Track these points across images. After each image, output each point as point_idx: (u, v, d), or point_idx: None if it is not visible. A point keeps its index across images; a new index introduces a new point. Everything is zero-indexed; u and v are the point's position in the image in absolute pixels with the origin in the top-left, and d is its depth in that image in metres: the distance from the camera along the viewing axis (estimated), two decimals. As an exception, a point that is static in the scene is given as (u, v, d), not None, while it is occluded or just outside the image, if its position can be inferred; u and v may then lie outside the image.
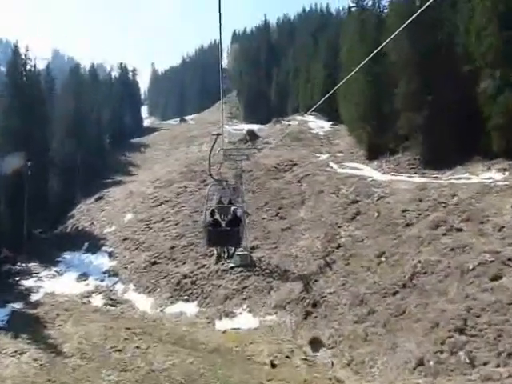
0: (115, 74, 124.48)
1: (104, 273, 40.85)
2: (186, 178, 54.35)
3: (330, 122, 78.03)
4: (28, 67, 57.89)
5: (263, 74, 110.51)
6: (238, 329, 29.16)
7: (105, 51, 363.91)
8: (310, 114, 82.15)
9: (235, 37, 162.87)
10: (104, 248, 45.35)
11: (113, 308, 33.63)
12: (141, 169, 79.85)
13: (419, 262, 25.14)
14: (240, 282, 33.70)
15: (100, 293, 36.60)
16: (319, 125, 78.43)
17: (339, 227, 35.35)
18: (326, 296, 28.32)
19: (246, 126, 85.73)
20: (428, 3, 18.59)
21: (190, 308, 33.00)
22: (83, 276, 40.55)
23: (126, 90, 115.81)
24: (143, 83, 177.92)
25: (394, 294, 24.65)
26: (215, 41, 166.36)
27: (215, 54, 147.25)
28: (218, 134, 26.83)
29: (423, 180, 39.10)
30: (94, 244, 46.80)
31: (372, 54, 14.95)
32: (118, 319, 29.68)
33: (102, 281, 39.41)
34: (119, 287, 38.00)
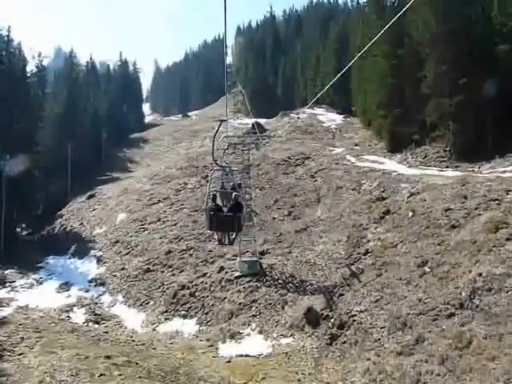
0: (114, 66, 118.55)
1: (90, 281, 35.43)
2: (187, 174, 49.08)
3: (342, 115, 73.11)
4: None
5: (269, 67, 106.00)
6: (247, 356, 23.50)
7: (109, 50, 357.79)
8: (320, 107, 78.40)
9: (240, 32, 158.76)
10: (92, 252, 40.02)
11: (96, 326, 28.04)
12: (139, 165, 74.73)
13: (480, 274, 19.42)
14: (248, 294, 28.10)
15: (83, 306, 31.10)
16: (330, 117, 73.35)
17: (365, 229, 29.89)
18: (355, 315, 22.66)
19: (252, 120, 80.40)
20: None
21: (188, 326, 27.39)
22: (65, 285, 35.16)
23: (126, 83, 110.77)
24: (147, 81, 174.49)
25: (449, 316, 18.94)
26: (219, 36, 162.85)
27: (219, 49, 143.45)
28: (223, 120, 25.75)
29: (459, 174, 33.67)
30: (82, 247, 41.48)
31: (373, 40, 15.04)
32: (98, 343, 23.99)
33: (86, 291, 33.97)
34: (106, 299, 32.52)
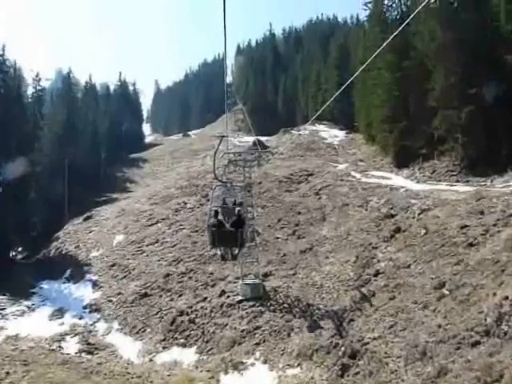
0: (114, 87, 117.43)
1: (84, 307, 33.49)
2: (186, 193, 47.47)
3: (344, 131, 72.00)
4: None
5: (270, 84, 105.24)
6: (251, 389, 21.67)
7: (110, 72, 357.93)
8: (322, 123, 77.29)
9: (239, 51, 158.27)
10: (88, 276, 38.12)
11: (89, 357, 26.18)
12: (139, 185, 72.81)
13: (506, 298, 17.54)
14: (251, 320, 26.16)
15: (76, 335, 29.20)
16: (332, 134, 72.26)
17: (374, 248, 28.18)
18: (368, 343, 20.72)
19: (253, 138, 79.03)
20: None
21: (188, 355, 25.37)
22: (58, 312, 33.20)
23: (125, 103, 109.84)
24: (147, 103, 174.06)
25: (474, 345, 17.04)
26: (219, 55, 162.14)
27: (219, 69, 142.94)
28: (223, 136, 28.31)
29: (471, 189, 32.05)
30: (77, 271, 39.54)
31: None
32: (90, 376, 22.20)
33: (80, 318, 32.02)
34: (101, 326, 30.58)
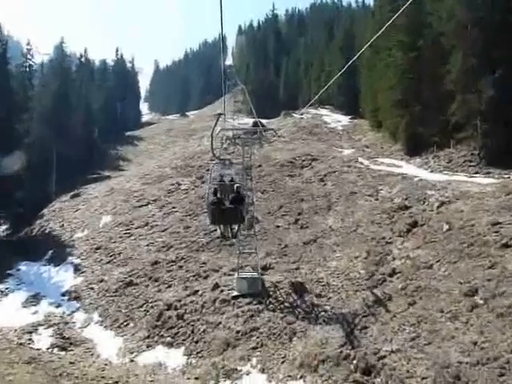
0: (111, 62, 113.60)
1: (63, 294, 30.36)
2: (181, 174, 44.41)
3: (348, 116, 68.86)
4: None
5: (271, 67, 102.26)
6: (246, 406, 18.59)
7: (109, 51, 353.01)
8: (325, 108, 74.56)
9: (241, 31, 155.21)
10: (70, 259, 35.02)
11: (62, 353, 23.08)
12: (133, 163, 69.89)
13: (559, 313, 14.63)
14: (247, 320, 22.94)
15: (50, 326, 26.04)
16: (336, 119, 69.56)
17: (388, 243, 25.19)
18: (385, 356, 17.56)
19: (253, 120, 76.03)
20: None
21: (174, 357, 22.13)
22: (34, 298, 30.10)
23: (122, 80, 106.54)
24: (146, 82, 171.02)
25: (522, 369, 14.17)
26: (220, 35, 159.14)
27: (219, 49, 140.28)
28: (220, 114, 24.60)
29: (494, 181, 29.07)
30: (59, 253, 36.44)
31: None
32: (59, 379, 19.14)
33: (57, 306, 28.89)
34: (79, 317, 27.41)
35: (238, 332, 22.30)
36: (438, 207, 25.90)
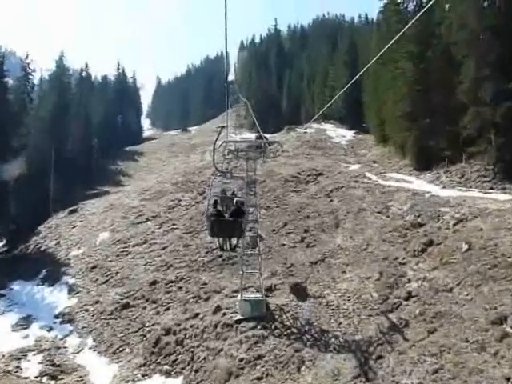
0: (111, 77, 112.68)
1: (56, 317, 28.82)
2: (181, 189, 42.92)
3: (352, 131, 67.79)
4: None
5: (274, 81, 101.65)
6: None
7: (111, 67, 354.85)
8: (329, 123, 73.85)
9: (243, 47, 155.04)
10: (65, 278, 33.51)
11: (52, 382, 21.49)
12: (132, 179, 68.20)
13: None
14: (251, 346, 21.24)
15: (40, 352, 24.44)
16: (340, 133, 68.39)
17: (402, 264, 23.55)
18: (405, 392, 16.01)
19: (255, 135, 74.80)
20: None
21: (172, 388, 20.72)
22: (25, 321, 28.50)
23: (123, 94, 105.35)
24: (148, 98, 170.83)
25: None
26: (221, 52, 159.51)
27: (221, 65, 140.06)
28: (223, 126, 24.99)
29: (510, 197, 27.53)
30: (54, 272, 34.92)
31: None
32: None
33: (49, 330, 27.30)
34: (72, 342, 25.80)
35: (241, 360, 20.61)
36: (455, 225, 24.28)
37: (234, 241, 20.49)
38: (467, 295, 18.67)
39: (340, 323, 21.40)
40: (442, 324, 18.02)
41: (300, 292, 24.31)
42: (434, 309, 19.01)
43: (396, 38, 14.05)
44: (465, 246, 21.51)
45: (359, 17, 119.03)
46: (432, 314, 18.81)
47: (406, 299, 20.77)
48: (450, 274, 20.53)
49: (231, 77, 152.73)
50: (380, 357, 18.14)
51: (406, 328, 19.01)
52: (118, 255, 33.84)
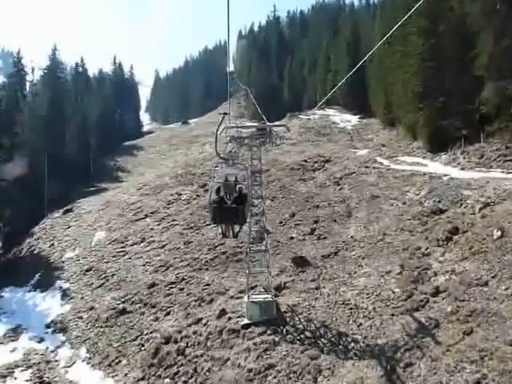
0: (108, 71, 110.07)
1: (48, 326, 26.62)
2: (182, 183, 40.65)
3: (357, 116, 65.34)
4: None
5: (274, 68, 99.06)
6: None
7: (108, 63, 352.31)
8: (332, 108, 71.35)
9: (241, 36, 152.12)
10: (58, 283, 31.35)
11: (39, 402, 19.30)
12: (131, 174, 65.82)
13: None
14: (261, 354, 18.88)
15: (29, 367, 22.26)
16: (344, 118, 66.06)
17: (425, 255, 21.17)
18: (442, 406, 13.65)
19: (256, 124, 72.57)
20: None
21: (173, 404, 18.41)
22: (14, 332, 26.39)
23: (120, 89, 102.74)
24: (147, 93, 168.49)
25: None
26: (220, 42, 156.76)
27: (220, 55, 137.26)
28: (226, 113, 22.29)
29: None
30: (47, 276, 32.84)
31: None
32: None
33: (40, 341, 25.15)
34: (63, 354, 23.54)
35: (250, 371, 18.33)
36: (481, 209, 21.89)
37: (237, 228, 19.28)
38: (506, 289, 16.29)
39: (360, 325, 18.99)
40: (480, 324, 15.61)
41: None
42: (468, 306, 16.58)
43: (412, 10, 12.49)
44: (497, 233, 19.14)
45: (359, 0, 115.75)
46: (466, 313, 16.38)
47: (434, 295, 18.38)
48: (482, 265, 18.14)
49: (230, 67, 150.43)
50: (409, 364, 15.73)
51: (437, 329, 16.58)
52: (114, 256, 31.66)
